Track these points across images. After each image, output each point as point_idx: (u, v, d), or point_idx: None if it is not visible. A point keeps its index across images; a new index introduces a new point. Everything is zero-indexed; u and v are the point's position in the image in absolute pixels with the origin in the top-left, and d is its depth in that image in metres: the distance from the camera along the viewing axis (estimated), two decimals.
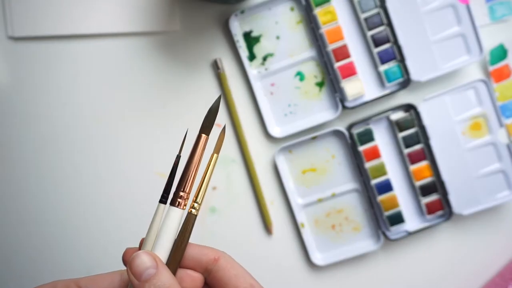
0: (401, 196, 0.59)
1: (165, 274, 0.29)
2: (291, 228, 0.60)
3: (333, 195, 0.59)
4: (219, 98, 0.35)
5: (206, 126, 0.34)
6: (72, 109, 0.58)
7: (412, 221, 0.60)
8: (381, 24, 0.57)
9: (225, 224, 0.60)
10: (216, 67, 0.58)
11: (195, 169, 0.33)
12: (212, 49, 0.59)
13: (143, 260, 0.29)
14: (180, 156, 0.33)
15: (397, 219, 0.58)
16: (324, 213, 0.60)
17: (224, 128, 0.35)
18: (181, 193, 0.33)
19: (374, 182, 0.58)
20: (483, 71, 0.59)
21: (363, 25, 0.57)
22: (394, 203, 0.58)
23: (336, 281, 0.60)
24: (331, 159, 0.59)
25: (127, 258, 0.33)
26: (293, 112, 0.59)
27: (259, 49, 0.58)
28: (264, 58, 0.58)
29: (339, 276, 0.60)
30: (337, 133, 0.58)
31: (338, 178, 0.59)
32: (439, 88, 0.59)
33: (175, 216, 0.32)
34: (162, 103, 0.59)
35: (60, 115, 0.58)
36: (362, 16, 0.57)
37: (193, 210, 0.33)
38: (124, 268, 0.32)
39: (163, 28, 0.58)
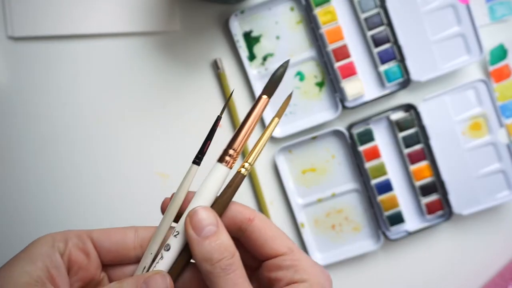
0: (401, 196, 0.59)
1: (225, 234, 0.29)
2: (291, 228, 0.60)
3: (333, 195, 0.59)
4: (287, 62, 0.33)
5: (269, 88, 0.32)
6: (72, 109, 0.58)
7: (412, 221, 0.60)
8: (381, 24, 0.57)
9: None
10: (216, 67, 0.58)
11: (250, 129, 0.32)
12: (212, 49, 0.59)
13: (205, 216, 0.29)
14: (220, 117, 0.32)
15: (397, 219, 0.58)
16: (324, 213, 0.60)
17: (291, 94, 0.34)
18: (231, 152, 0.31)
19: (374, 182, 0.58)
20: (483, 71, 0.59)
21: (363, 25, 0.57)
22: (394, 203, 0.58)
23: (336, 281, 0.60)
24: (331, 159, 0.59)
25: (165, 207, 0.32)
26: (293, 112, 0.59)
27: (259, 49, 0.58)
28: (264, 58, 0.58)
29: (339, 276, 0.60)
30: (337, 133, 0.58)
31: (338, 178, 0.59)
32: (439, 88, 0.59)
33: (221, 174, 0.31)
34: (162, 103, 0.59)
35: (60, 115, 0.58)
36: (362, 16, 0.57)
37: (243, 170, 0.31)
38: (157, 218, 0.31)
39: (163, 28, 0.58)
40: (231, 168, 0.31)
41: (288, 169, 0.59)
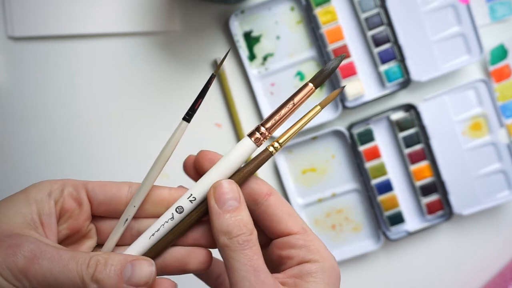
0: (401, 196, 0.59)
1: (246, 211, 0.29)
2: None
3: (333, 195, 0.59)
4: (343, 56, 0.32)
5: (318, 78, 0.31)
6: (71, 109, 0.58)
7: (412, 221, 0.60)
8: (381, 24, 0.57)
9: None
10: (216, 67, 0.58)
11: (287, 113, 0.31)
12: (212, 49, 0.59)
13: (229, 189, 0.29)
14: (215, 75, 0.31)
15: (397, 219, 0.58)
16: (324, 213, 0.60)
17: (343, 87, 0.33)
18: (262, 129, 0.31)
19: (374, 182, 0.58)
20: (483, 71, 0.59)
21: (363, 25, 0.57)
22: (394, 203, 0.58)
23: None
24: (331, 159, 0.59)
25: (188, 165, 0.32)
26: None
27: (259, 49, 0.58)
28: (264, 58, 0.58)
29: None
30: (337, 133, 0.58)
31: (338, 178, 0.59)
32: (439, 88, 0.59)
33: (247, 148, 0.31)
34: (162, 103, 0.59)
35: (60, 115, 0.58)
36: (362, 16, 0.57)
37: (272, 148, 0.31)
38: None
39: (163, 28, 0.58)
40: (258, 145, 0.31)
41: (288, 169, 0.59)
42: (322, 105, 0.31)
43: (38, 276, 0.27)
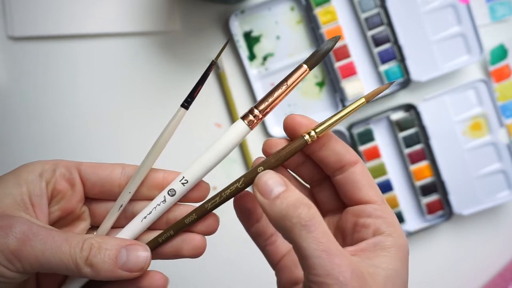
0: (401, 196, 0.59)
1: (296, 191, 0.27)
2: None
3: None
4: (338, 37, 0.31)
5: (312, 59, 0.30)
6: (71, 109, 0.58)
7: (412, 221, 0.60)
8: (381, 24, 0.57)
9: (225, 224, 0.60)
10: (216, 67, 0.58)
11: (282, 95, 0.30)
12: (212, 49, 0.59)
13: (268, 178, 0.28)
14: (215, 62, 0.30)
15: (397, 219, 0.58)
16: None
17: (392, 83, 0.32)
18: (256, 112, 0.30)
19: None
20: (484, 71, 0.59)
21: (363, 25, 0.57)
22: (394, 203, 0.58)
23: None
24: None
25: (268, 148, 0.31)
26: (293, 111, 0.59)
27: (259, 49, 0.58)
28: (264, 58, 0.58)
29: None
30: (337, 133, 0.58)
31: None
32: (439, 88, 0.59)
33: (240, 131, 0.30)
34: (162, 103, 0.59)
35: (60, 115, 0.58)
36: (362, 16, 0.57)
37: (307, 137, 0.29)
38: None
39: (163, 28, 0.58)
40: (252, 128, 0.30)
41: None
42: (368, 97, 0.30)
43: (31, 258, 0.27)
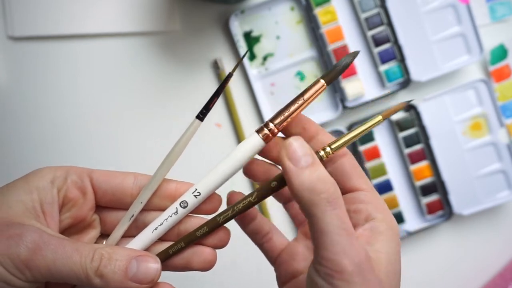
0: (401, 196, 0.59)
1: (322, 166, 0.27)
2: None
3: None
4: (357, 52, 0.30)
5: (330, 75, 0.30)
6: (72, 109, 0.58)
7: (412, 221, 0.60)
8: (381, 24, 0.57)
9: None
10: (216, 67, 0.58)
11: (298, 110, 0.30)
12: (212, 49, 0.59)
13: (299, 145, 0.27)
14: (232, 74, 0.30)
15: (397, 219, 0.58)
16: None
17: (409, 101, 0.31)
18: (271, 126, 0.30)
19: (374, 182, 0.58)
20: (484, 71, 0.59)
21: (364, 25, 0.57)
22: (394, 203, 0.58)
23: None
24: None
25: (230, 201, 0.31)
26: None
27: (259, 49, 0.58)
28: (264, 58, 0.58)
29: None
30: (337, 133, 0.58)
31: None
32: (439, 88, 0.59)
33: (254, 144, 0.30)
34: (162, 103, 0.59)
35: (60, 115, 0.58)
36: (363, 16, 0.57)
37: (322, 153, 0.29)
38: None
39: (163, 28, 0.58)
40: (267, 142, 0.30)
41: None
42: (385, 115, 0.30)
43: (41, 268, 0.26)
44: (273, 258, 0.34)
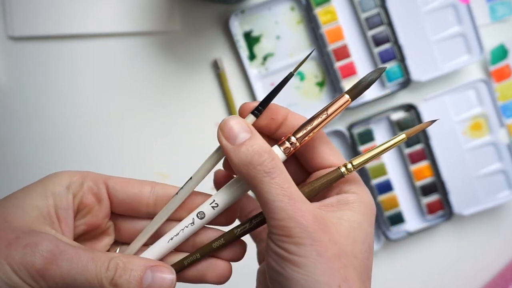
0: (401, 196, 0.59)
1: (261, 139, 0.28)
2: None
3: None
4: (383, 69, 0.30)
5: (354, 90, 0.30)
6: (72, 109, 0.58)
7: (412, 221, 0.60)
8: (382, 24, 0.57)
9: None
10: (216, 67, 0.58)
11: (320, 124, 0.29)
12: (212, 49, 0.58)
13: (235, 123, 0.28)
14: (293, 74, 0.29)
15: (397, 219, 0.58)
16: None
17: (434, 121, 0.30)
18: (293, 139, 0.29)
19: (374, 182, 0.58)
20: (484, 71, 0.59)
21: (364, 25, 0.57)
22: (394, 203, 0.58)
23: None
24: None
25: (218, 180, 0.31)
26: (294, 111, 0.59)
27: (259, 49, 0.58)
28: (264, 58, 0.58)
29: None
30: (337, 133, 0.58)
31: None
32: (439, 88, 0.59)
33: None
34: (162, 103, 0.59)
35: (60, 115, 0.58)
36: (363, 16, 0.57)
37: (343, 169, 0.29)
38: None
39: (163, 28, 0.58)
40: (288, 156, 0.30)
41: None
42: (408, 134, 0.29)
43: (56, 277, 0.26)
44: (255, 234, 0.35)
